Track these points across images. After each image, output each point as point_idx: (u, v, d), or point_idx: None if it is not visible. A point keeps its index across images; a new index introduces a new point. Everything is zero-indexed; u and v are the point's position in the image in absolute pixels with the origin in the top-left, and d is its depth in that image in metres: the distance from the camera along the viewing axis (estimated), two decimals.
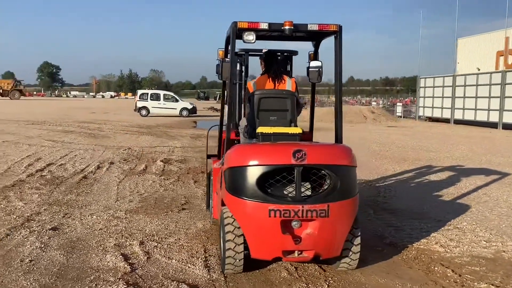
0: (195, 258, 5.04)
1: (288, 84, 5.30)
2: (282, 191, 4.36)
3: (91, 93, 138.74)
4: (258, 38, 5.75)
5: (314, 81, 5.66)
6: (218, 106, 54.69)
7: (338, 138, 5.08)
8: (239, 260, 4.49)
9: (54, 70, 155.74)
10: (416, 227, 6.33)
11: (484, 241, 5.78)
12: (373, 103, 74.57)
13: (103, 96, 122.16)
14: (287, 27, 4.86)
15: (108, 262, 4.88)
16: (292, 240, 4.29)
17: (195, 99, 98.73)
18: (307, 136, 6.23)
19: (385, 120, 32.88)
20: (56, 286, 4.27)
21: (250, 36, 4.88)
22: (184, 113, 34.06)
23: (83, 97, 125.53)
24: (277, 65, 5.38)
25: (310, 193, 4.39)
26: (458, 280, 4.55)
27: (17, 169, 10.34)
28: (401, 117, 37.89)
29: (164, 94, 35.20)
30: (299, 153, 4.30)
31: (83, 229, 6.01)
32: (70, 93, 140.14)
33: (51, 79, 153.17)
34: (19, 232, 5.80)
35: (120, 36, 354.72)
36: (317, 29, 4.93)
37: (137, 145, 15.37)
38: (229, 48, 5.65)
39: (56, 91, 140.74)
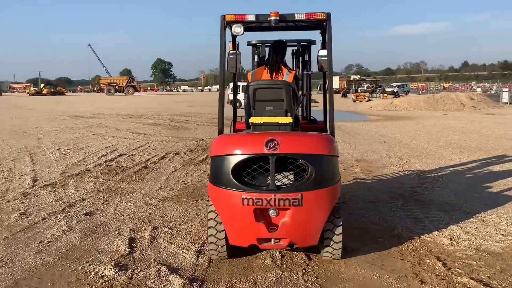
0: (194, 243, 5.28)
1: (285, 76, 5.33)
2: (259, 180, 4.45)
3: (199, 87, 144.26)
4: (263, 29, 5.87)
5: (323, 70, 5.64)
6: (314, 97, 54.85)
7: (330, 128, 5.05)
8: (222, 247, 4.66)
9: (166, 67, 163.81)
10: (438, 219, 6.08)
11: (502, 234, 5.44)
12: (478, 89, 69.92)
13: (210, 90, 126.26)
14: (273, 18, 4.92)
15: (114, 245, 5.28)
16: (266, 228, 4.38)
17: None
18: (319, 125, 6.24)
19: (486, 107, 30.85)
20: (55, 265, 4.73)
21: (237, 29, 5.01)
22: None
23: (192, 91, 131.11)
24: (276, 56, 5.41)
25: (289, 182, 4.44)
26: (442, 274, 4.37)
27: (90, 159, 11.23)
28: (507, 103, 35.25)
29: None
30: (272, 143, 4.37)
31: (112, 215, 6.49)
32: (180, 87, 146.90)
33: (163, 75, 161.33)
34: (55, 216, 6.39)
35: None
36: (304, 18, 4.94)
37: (212, 137, 15.92)
38: (236, 40, 5.84)
39: (168, 86, 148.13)
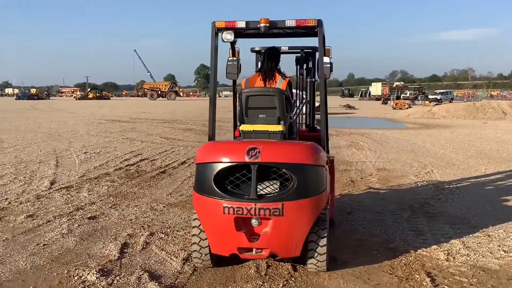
0: (184, 251, 5.26)
1: (279, 83, 5.25)
2: (244, 189, 4.40)
3: None
4: (260, 36, 5.82)
5: (323, 77, 5.55)
6: (354, 103, 54.28)
7: (322, 139, 4.95)
8: (205, 255, 4.63)
9: (209, 72, 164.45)
10: (442, 232, 5.86)
11: (504, 251, 5.19)
12: None
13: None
14: (262, 25, 4.87)
15: (106, 250, 5.32)
16: (247, 238, 4.32)
17: (339, 96, 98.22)
18: (319, 133, 6.12)
19: None
20: (43, 268, 4.80)
21: (228, 35, 4.98)
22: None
23: None
24: (270, 63, 5.35)
25: (274, 191, 4.37)
26: None
27: (112, 163, 11.41)
28: None
29: None
30: (253, 151, 4.31)
31: (115, 219, 6.56)
32: (222, 92, 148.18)
33: (206, 80, 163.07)
34: (60, 220, 6.50)
35: None
36: (294, 25, 4.86)
37: None
38: (235, 47, 5.82)
39: None
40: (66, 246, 5.44)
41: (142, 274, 4.59)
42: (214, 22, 4.98)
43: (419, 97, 60.99)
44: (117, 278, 4.52)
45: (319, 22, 4.81)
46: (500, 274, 4.58)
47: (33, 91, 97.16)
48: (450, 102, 52.37)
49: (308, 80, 6.51)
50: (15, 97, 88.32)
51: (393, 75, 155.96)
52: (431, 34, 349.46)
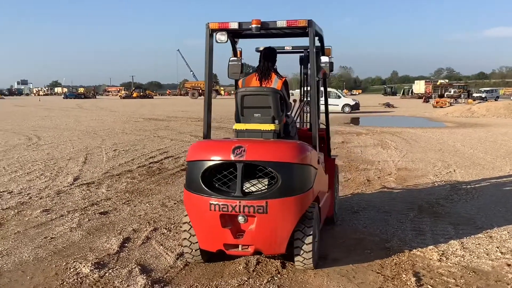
0: (181, 246, 5.39)
1: (274, 83, 5.31)
2: (230, 186, 4.50)
3: None
4: (257, 36, 5.90)
5: (325, 77, 5.60)
6: (395, 101, 53.32)
7: (313, 138, 4.99)
8: (195, 250, 4.75)
9: (250, 71, 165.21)
10: (443, 233, 5.80)
11: (501, 252, 5.10)
12: None
13: (292, 94, 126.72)
14: (254, 26, 4.94)
15: (108, 244, 5.52)
16: (232, 234, 4.42)
17: (381, 94, 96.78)
18: (319, 132, 6.15)
19: None
20: (44, 260, 5.03)
21: (222, 37, 5.08)
22: (346, 109, 33.99)
23: None
24: (266, 62, 5.41)
25: (258, 189, 4.46)
26: None
27: (137, 160, 11.72)
28: None
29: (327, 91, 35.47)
30: (239, 150, 4.41)
31: (125, 215, 6.77)
32: None
33: None
34: (73, 214, 6.77)
35: None
36: (285, 25, 4.92)
37: None
38: (236, 47, 5.92)
39: None
40: (72, 240, 5.67)
41: (135, 268, 4.75)
42: (208, 23, 5.09)
43: (462, 95, 59.44)
44: (110, 271, 4.70)
45: (310, 23, 4.84)
46: (491, 275, 4.51)
47: (80, 90, 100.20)
48: (496, 100, 50.87)
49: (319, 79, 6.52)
50: (63, 96, 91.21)
51: (439, 73, 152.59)
52: (478, 30, 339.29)
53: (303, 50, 6.46)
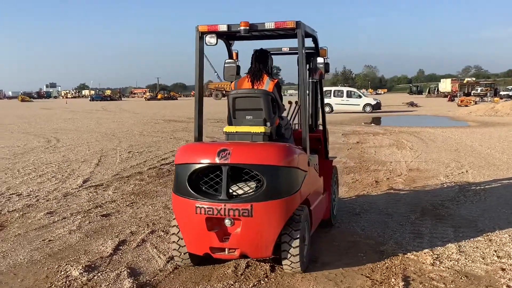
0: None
1: (266, 85, 5.27)
2: (218, 190, 4.49)
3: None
4: (251, 38, 5.87)
5: (321, 77, 5.56)
6: (419, 100, 52.53)
7: (303, 141, 4.94)
8: (184, 254, 4.75)
9: (275, 71, 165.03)
10: (442, 235, 5.68)
11: (498, 256, 4.97)
12: None
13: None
14: (242, 28, 4.92)
15: (103, 246, 5.56)
16: (218, 238, 4.40)
17: (407, 93, 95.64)
18: (314, 134, 6.11)
19: None
20: (38, 262, 5.09)
21: (212, 39, 5.07)
22: (368, 109, 33.66)
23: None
24: (258, 64, 5.38)
25: (245, 192, 4.44)
26: None
27: (149, 162, 11.81)
28: None
29: (347, 91, 35.32)
30: (224, 152, 4.40)
31: (126, 217, 6.81)
32: (287, 91, 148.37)
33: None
34: (75, 217, 6.84)
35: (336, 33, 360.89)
36: (273, 27, 4.88)
37: None
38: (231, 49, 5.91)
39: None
40: (69, 242, 5.73)
41: (124, 271, 4.76)
42: (198, 26, 5.09)
43: (488, 94, 58.26)
44: (99, 274, 4.73)
45: (298, 24, 4.79)
46: (483, 280, 4.40)
47: (107, 92, 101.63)
48: None
49: (310, 80, 6.46)
50: (89, 98, 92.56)
51: (466, 71, 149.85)
52: (505, 28, 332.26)
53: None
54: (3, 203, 7.70)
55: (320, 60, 5.71)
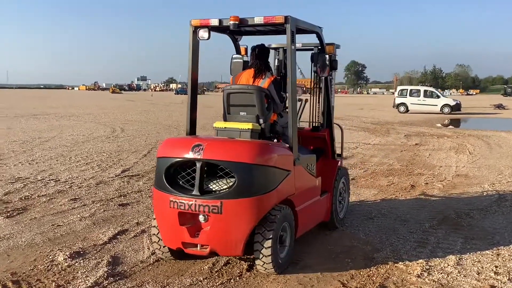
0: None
1: (263, 81, 5.14)
2: (192, 185, 4.46)
3: (390, 90, 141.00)
4: (251, 34, 5.78)
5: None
6: (509, 103, 49.28)
7: (291, 140, 4.78)
8: (163, 247, 4.77)
9: (360, 69, 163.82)
10: (448, 246, 5.30)
11: (495, 273, 4.54)
12: None
13: None
14: (231, 22, 4.84)
15: (102, 235, 5.70)
16: (189, 233, 4.38)
17: (500, 95, 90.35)
18: (319, 133, 5.91)
19: None
20: (35, 245, 5.30)
21: (204, 34, 5.02)
22: (446, 110, 32.06)
23: (383, 94, 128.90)
24: (257, 60, 5.26)
25: (219, 188, 4.39)
26: None
27: None
28: None
29: (424, 90, 33.88)
30: (197, 148, 4.36)
31: (141, 208, 6.94)
32: (371, 90, 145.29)
33: (356, 77, 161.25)
34: (95, 204, 7.05)
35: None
36: (262, 22, 4.77)
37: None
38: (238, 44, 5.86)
39: (358, 88, 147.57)
40: (74, 229, 5.93)
41: (105, 259, 4.85)
42: (191, 20, 5.07)
43: None
44: (81, 261, 4.84)
45: (287, 19, 4.63)
46: None
47: None
48: None
49: (321, 77, 6.25)
50: (174, 92, 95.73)
51: None
52: None
53: (313, 47, 6.21)
54: (39, 187, 8.12)
55: (326, 57, 5.53)
